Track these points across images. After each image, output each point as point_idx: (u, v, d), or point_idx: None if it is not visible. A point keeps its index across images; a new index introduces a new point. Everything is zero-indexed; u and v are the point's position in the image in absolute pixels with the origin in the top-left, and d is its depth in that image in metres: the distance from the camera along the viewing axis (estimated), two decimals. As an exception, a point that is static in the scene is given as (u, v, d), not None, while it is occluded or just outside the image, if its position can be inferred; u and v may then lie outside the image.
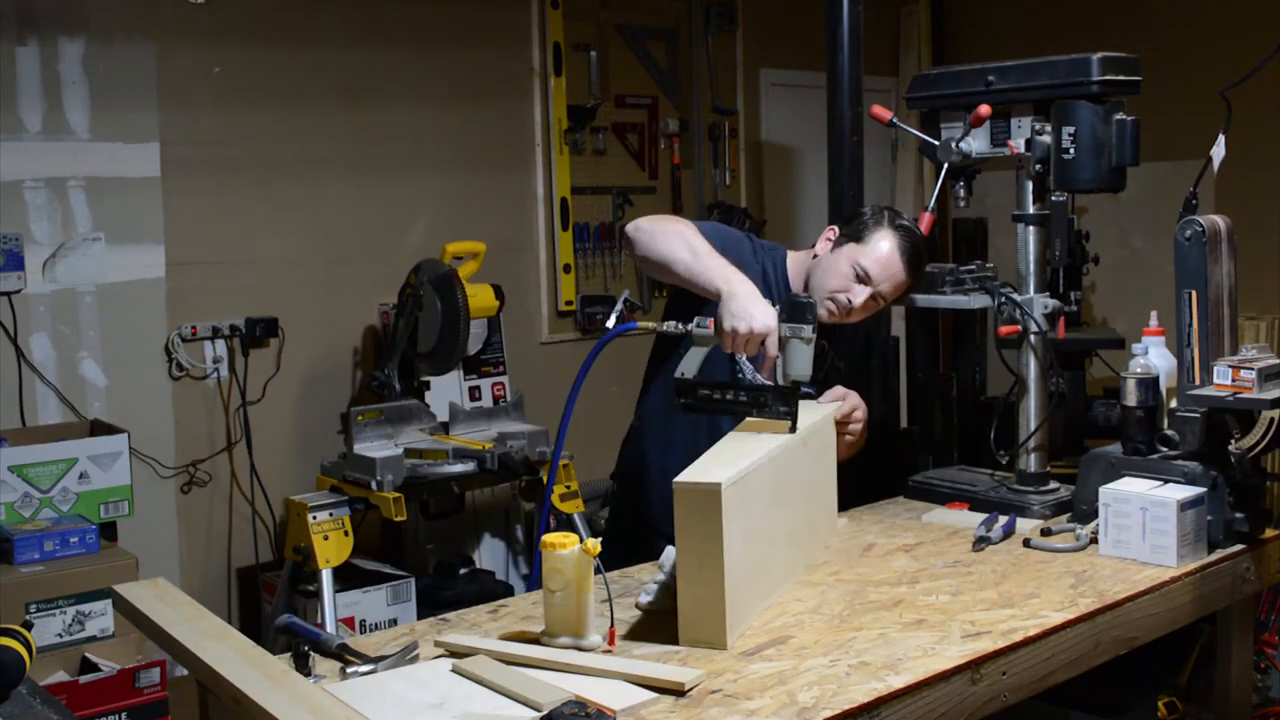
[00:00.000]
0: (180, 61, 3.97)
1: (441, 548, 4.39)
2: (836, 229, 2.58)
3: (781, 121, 5.72)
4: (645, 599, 2.07)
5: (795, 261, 2.63)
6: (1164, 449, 2.40)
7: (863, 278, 2.47)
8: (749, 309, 2.18)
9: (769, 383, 2.26)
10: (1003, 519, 2.48)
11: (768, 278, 2.55)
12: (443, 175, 4.58)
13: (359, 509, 3.70)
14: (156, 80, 3.93)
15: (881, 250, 2.48)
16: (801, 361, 2.17)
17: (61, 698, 2.75)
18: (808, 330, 2.17)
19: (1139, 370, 2.49)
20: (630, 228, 2.41)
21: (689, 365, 2.22)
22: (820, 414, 2.36)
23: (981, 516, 2.53)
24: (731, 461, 1.97)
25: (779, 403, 2.15)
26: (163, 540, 3.96)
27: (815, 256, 2.58)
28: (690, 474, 1.90)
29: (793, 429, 2.14)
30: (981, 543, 2.40)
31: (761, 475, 2.02)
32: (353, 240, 4.37)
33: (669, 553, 2.09)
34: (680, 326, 2.25)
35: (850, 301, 2.47)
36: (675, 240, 2.34)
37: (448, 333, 3.94)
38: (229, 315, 4.09)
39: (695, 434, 2.45)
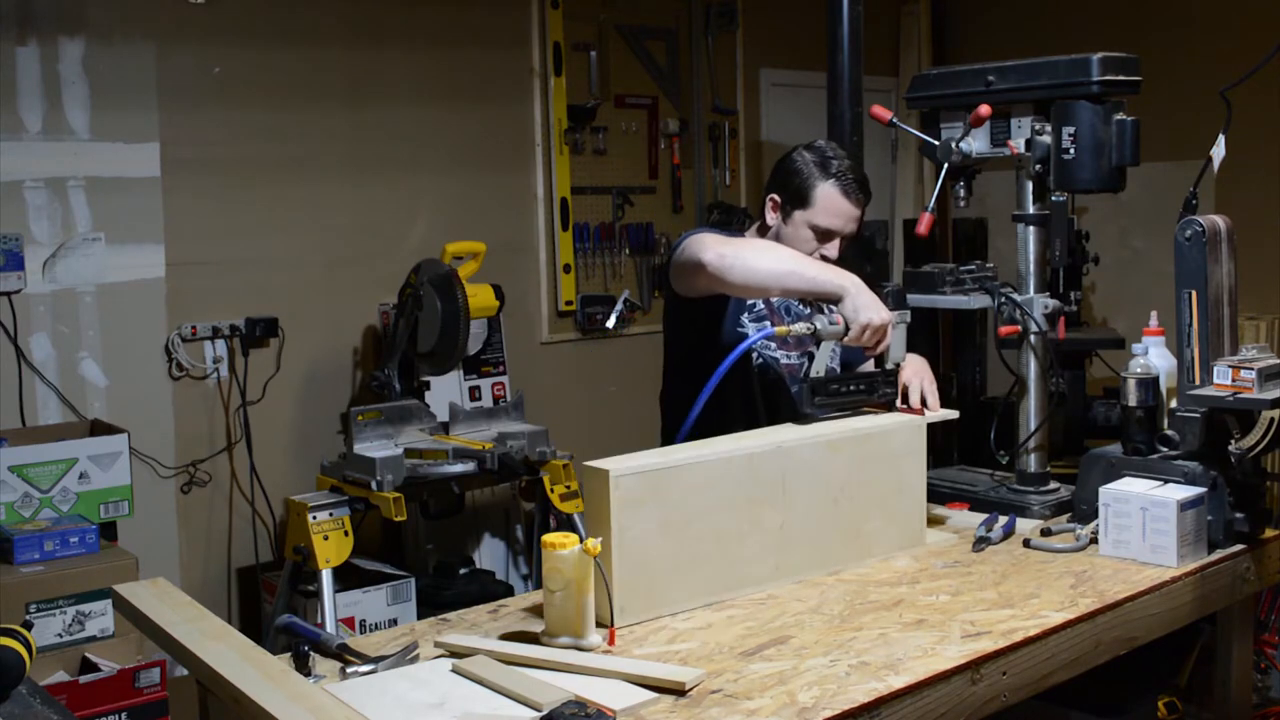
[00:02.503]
0: (180, 61, 3.97)
1: (441, 548, 4.39)
2: (776, 197, 2.61)
3: (781, 121, 5.72)
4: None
5: (761, 236, 2.67)
6: (1164, 449, 2.40)
7: (822, 233, 2.54)
8: (875, 302, 2.27)
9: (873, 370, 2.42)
10: (1003, 519, 2.48)
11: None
12: (443, 175, 4.58)
13: (359, 509, 3.70)
14: (156, 80, 3.93)
15: (831, 203, 2.53)
16: (900, 345, 2.36)
17: (61, 698, 2.75)
18: (906, 316, 2.36)
19: (1139, 370, 2.49)
20: (712, 258, 2.36)
21: (821, 365, 2.32)
22: (885, 421, 2.38)
23: (982, 516, 2.53)
24: (676, 453, 2.09)
25: (886, 385, 2.36)
26: (163, 540, 3.96)
27: (770, 228, 2.62)
28: (606, 460, 1.99)
29: (883, 397, 2.32)
30: (981, 543, 2.40)
31: (710, 471, 2.07)
32: (353, 240, 4.37)
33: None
34: (807, 327, 2.31)
35: (824, 257, 2.54)
36: (766, 258, 2.36)
37: (448, 333, 3.94)
38: (229, 315, 4.09)
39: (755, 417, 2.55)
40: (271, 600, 3.95)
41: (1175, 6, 5.14)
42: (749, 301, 2.62)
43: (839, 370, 2.45)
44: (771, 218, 2.62)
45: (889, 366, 2.37)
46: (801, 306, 2.67)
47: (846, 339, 2.29)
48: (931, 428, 2.46)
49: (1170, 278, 2.37)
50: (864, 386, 2.36)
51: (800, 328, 2.30)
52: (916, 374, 2.54)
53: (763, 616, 2.03)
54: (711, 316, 2.58)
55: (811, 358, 2.37)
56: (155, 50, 3.92)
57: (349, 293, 4.35)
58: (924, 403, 2.49)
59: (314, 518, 3.59)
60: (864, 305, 2.25)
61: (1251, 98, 2.79)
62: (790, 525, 2.19)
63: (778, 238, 2.60)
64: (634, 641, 1.93)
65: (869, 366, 2.54)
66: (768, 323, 2.62)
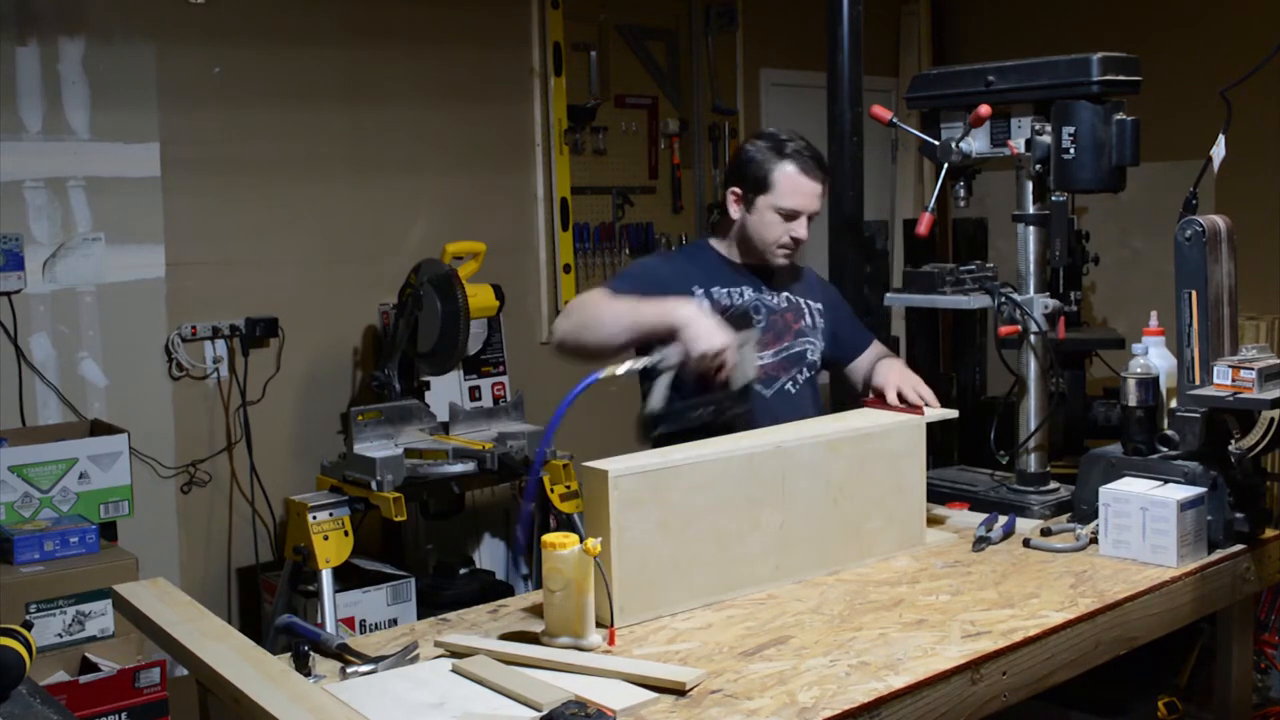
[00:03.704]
0: (180, 61, 3.97)
1: (441, 548, 4.39)
2: (737, 189, 2.58)
3: (781, 121, 5.68)
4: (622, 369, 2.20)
5: (724, 238, 2.65)
6: (1164, 449, 2.40)
7: (789, 214, 2.53)
8: (708, 329, 2.24)
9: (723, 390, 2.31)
10: (1002, 519, 2.48)
11: (689, 276, 2.56)
12: (443, 175, 4.58)
13: (359, 509, 3.70)
14: (156, 80, 3.93)
15: (791, 183, 2.52)
16: (750, 364, 2.30)
17: (61, 698, 2.75)
18: (754, 335, 2.33)
19: (1139, 370, 2.49)
20: (555, 340, 2.42)
21: (656, 398, 2.27)
22: (885, 420, 2.39)
23: (982, 516, 2.53)
24: (675, 453, 2.09)
25: (737, 404, 2.28)
26: (163, 540, 3.96)
27: (735, 221, 2.60)
28: (605, 460, 1.99)
29: (739, 411, 2.25)
30: (981, 543, 2.40)
31: (709, 472, 2.07)
32: (353, 240, 4.36)
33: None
34: (641, 363, 2.28)
35: (794, 238, 2.55)
36: (598, 318, 2.37)
37: (448, 333, 3.94)
38: (229, 315, 4.09)
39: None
40: (271, 600, 3.95)
41: (1175, 6, 5.14)
42: (702, 296, 2.54)
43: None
44: (735, 210, 2.59)
45: (735, 388, 2.28)
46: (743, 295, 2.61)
47: (690, 366, 2.25)
48: (931, 427, 2.46)
49: (1170, 278, 2.37)
50: (711, 408, 2.30)
51: (630, 365, 2.27)
52: (902, 377, 2.55)
53: (763, 616, 2.03)
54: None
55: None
56: (155, 50, 3.92)
57: (349, 293, 4.35)
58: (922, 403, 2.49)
59: (314, 518, 3.59)
60: (700, 334, 2.22)
61: (1251, 98, 2.80)
62: (790, 525, 2.19)
63: (743, 229, 2.58)
64: (634, 641, 1.93)
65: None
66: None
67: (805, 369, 2.64)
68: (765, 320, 2.58)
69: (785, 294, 2.65)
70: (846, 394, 2.91)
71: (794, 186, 2.52)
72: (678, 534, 2.04)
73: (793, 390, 2.61)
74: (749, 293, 2.58)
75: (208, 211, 4.04)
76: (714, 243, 2.67)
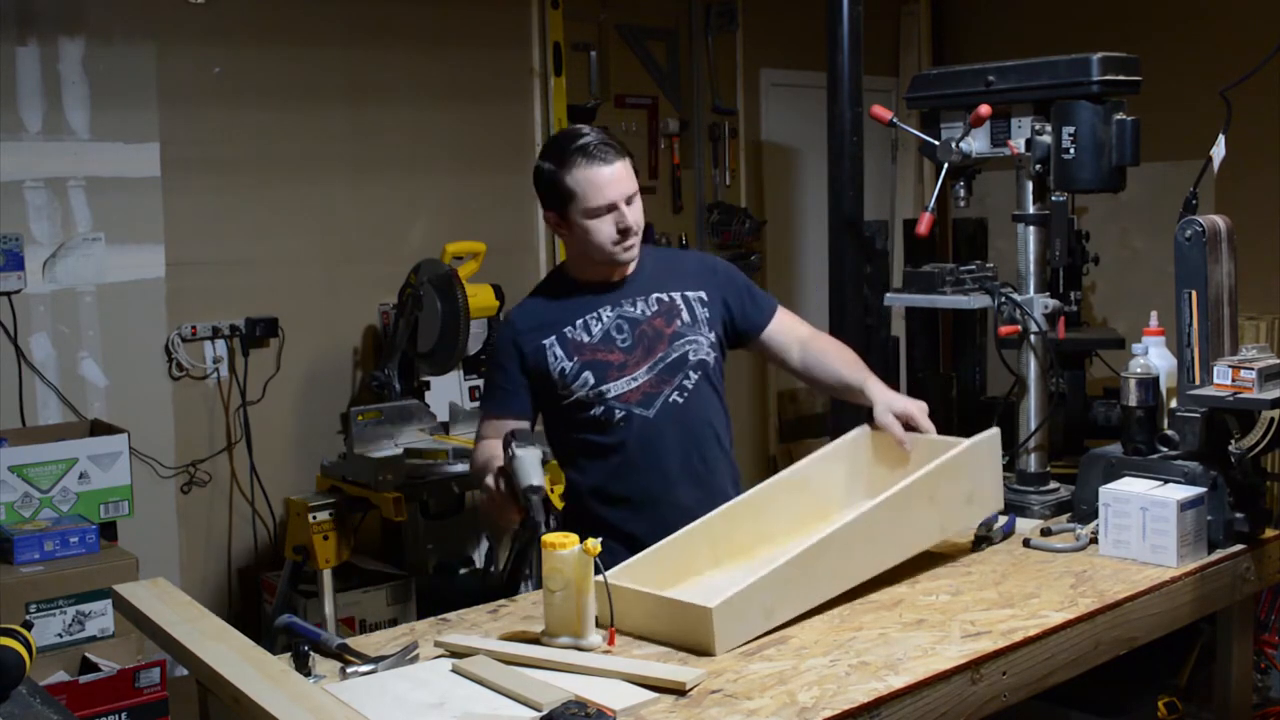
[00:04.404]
0: (180, 61, 3.97)
1: (441, 548, 4.39)
2: (550, 214, 2.44)
3: (781, 121, 5.72)
4: None
5: (569, 258, 2.53)
6: (1164, 449, 2.40)
7: (604, 210, 2.36)
8: (482, 508, 2.22)
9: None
10: (1003, 519, 2.48)
11: (541, 329, 2.45)
12: (443, 175, 4.58)
13: (359, 509, 3.70)
14: (156, 80, 3.93)
15: (586, 180, 2.35)
16: (526, 472, 2.14)
17: (61, 698, 2.75)
18: (523, 443, 2.18)
19: (1139, 370, 2.49)
20: None
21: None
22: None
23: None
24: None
25: (527, 517, 2.11)
26: (163, 540, 3.96)
27: (566, 239, 2.47)
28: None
29: (536, 529, 2.05)
30: (981, 543, 2.40)
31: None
32: (353, 240, 4.37)
33: None
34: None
35: (622, 231, 2.38)
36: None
37: (448, 333, 3.94)
38: (229, 315, 4.09)
39: (683, 450, 2.46)
40: (271, 600, 3.95)
41: (1175, 6, 5.14)
42: (554, 344, 2.45)
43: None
44: (562, 233, 2.46)
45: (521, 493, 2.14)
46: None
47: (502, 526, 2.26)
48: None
49: (1170, 278, 2.37)
50: (527, 534, 2.19)
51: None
52: (903, 403, 2.43)
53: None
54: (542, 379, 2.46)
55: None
56: (155, 50, 3.92)
57: (349, 293, 4.35)
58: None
59: (314, 518, 3.60)
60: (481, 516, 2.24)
61: (1251, 98, 2.80)
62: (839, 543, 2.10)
63: (579, 247, 2.43)
64: (634, 641, 1.93)
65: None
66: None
67: (691, 372, 2.46)
68: (630, 336, 2.43)
69: (655, 296, 2.48)
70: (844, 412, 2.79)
71: (594, 182, 2.34)
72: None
73: (680, 400, 2.44)
74: (607, 313, 2.44)
75: (208, 211, 4.04)
76: (570, 269, 2.53)
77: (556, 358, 2.42)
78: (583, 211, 2.36)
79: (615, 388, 2.42)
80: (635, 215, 2.40)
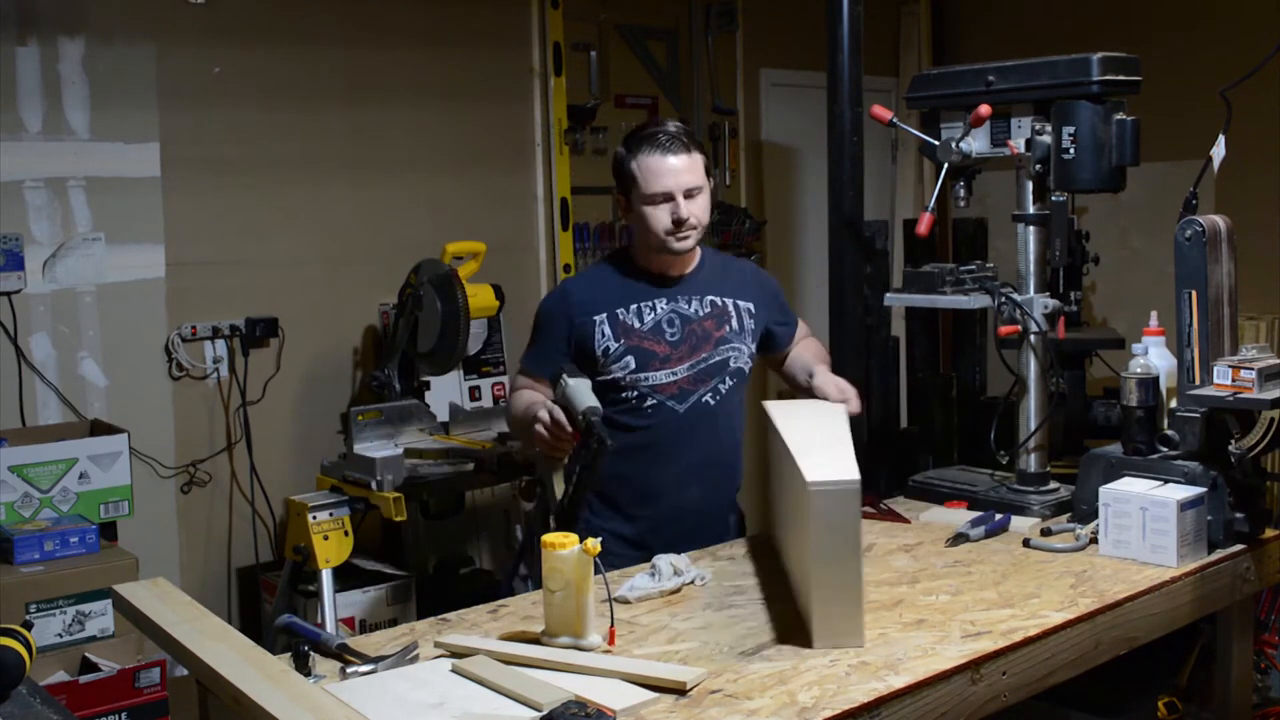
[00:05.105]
0: (180, 61, 3.96)
1: (441, 548, 4.39)
2: (621, 196, 2.55)
3: (781, 121, 5.72)
4: (634, 593, 2.12)
5: (635, 243, 2.60)
6: (1164, 449, 2.40)
7: (660, 198, 2.45)
8: (540, 434, 2.32)
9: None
10: (999, 517, 2.49)
11: (593, 305, 2.52)
12: (443, 175, 4.58)
13: (359, 509, 3.70)
14: (156, 80, 3.93)
15: (650, 168, 2.45)
16: (581, 397, 2.26)
17: (61, 698, 2.75)
18: (573, 373, 2.31)
19: (1139, 370, 2.49)
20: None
21: (557, 491, 2.39)
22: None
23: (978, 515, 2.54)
24: (832, 451, 2.00)
25: (590, 444, 2.23)
26: (163, 540, 3.96)
27: (632, 223, 2.55)
28: (816, 471, 1.87)
29: (603, 446, 2.18)
30: (960, 539, 2.40)
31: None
32: (353, 240, 4.36)
33: (661, 559, 2.20)
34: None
35: (677, 221, 2.45)
36: (516, 425, 2.60)
37: (448, 333, 3.94)
38: (229, 315, 4.09)
39: (704, 450, 2.52)
40: (271, 600, 3.95)
41: (1175, 6, 5.14)
42: (604, 321, 2.52)
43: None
44: (626, 217, 2.56)
45: (585, 434, 2.27)
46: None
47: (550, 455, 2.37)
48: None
49: (1170, 278, 2.37)
50: (579, 467, 2.33)
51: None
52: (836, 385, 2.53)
53: (763, 616, 2.03)
54: (584, 354, 2.53)
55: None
56: (155, 50, 3.92)
57: (349, 293, 4.34)
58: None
59: (314, 518, 3.59)
60: (538, 440, 2.35)
61: (1251, 98, 2.79)
62: None
63: (640, 233, 2.52)
64: (634, 641, 1.93)
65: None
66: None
67: (729, 378, 2.55)
68: (680, 332, 2.51)
69: (710, 298, 2.56)
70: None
71: (653, 168, 2.44)
72: None
73: (712, 402, 2.53)
74: (662, 305, 2.52)
75: (208, 211, 4.03)
76: (635, 253, 2.61)
77: (604, 335, 2.49)
78: (642, 197, 2.46)
79: (655, 377, 2.49)
80: (695, 209, 2.47)
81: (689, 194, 2.46)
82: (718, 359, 2.54)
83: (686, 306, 2.54)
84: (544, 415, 2.30)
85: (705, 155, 2.52)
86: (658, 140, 2.46)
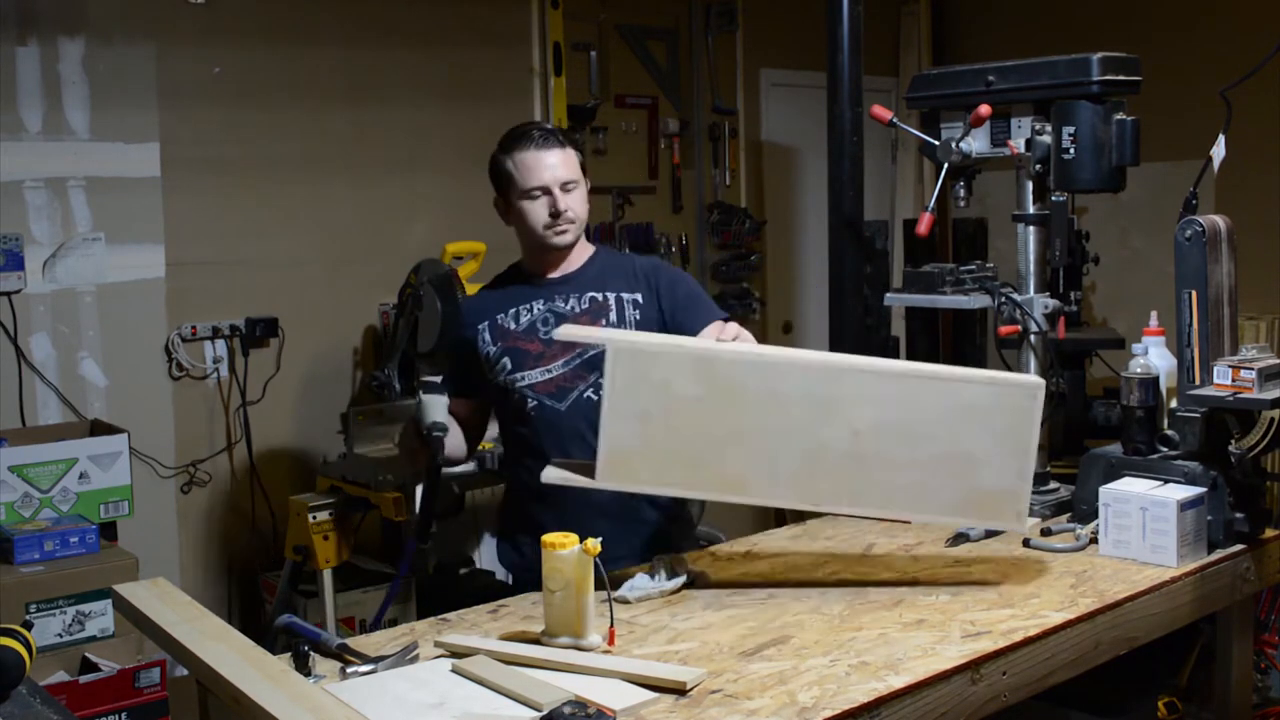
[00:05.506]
0: (180, 61, 3.97)
1: (441, 548, 4.38)
2: (498, 200, 2.56)
3: (781, 121, 5.72)
4: (635, 593, 2.11)
5: (522, 249, 2.61)
6: (1164, 449, 2.40)
7: (539, 193, 2.46)
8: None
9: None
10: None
11: (482, 312, 2.56)
12: (443, 175, 4.58)
13: (359, 509, 3.70)
14: (156, 80, 3.93)
15: (524, 164, 2.47)
16: (429, 411, 2.34)
17: (61, 698, 2.75)
18: (429, 389, 2.38)
19: (1139, 370, 2.49)
20: None
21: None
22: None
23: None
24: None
25: (429, 450, 2.34)
26: (163, 540, 3.96)
27: (514, 227, 2.56)
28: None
29: (433, 461, 2.32)
30: (959, 538, 2.40)
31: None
32: (353, 240, 4.36)
33: (660, 560, 2.20)
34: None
35: (555, 213, 2.46)
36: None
37: (448, 333, 3.94)
38: (229, 315, 4.09)
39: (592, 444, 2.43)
40: (271, 600, 3.95)
41: (1175, 6, 5.14)
42: (486, 328, 2.55)
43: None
44: (508, 220, 2.56)
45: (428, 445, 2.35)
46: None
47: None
48: None
49: (1170, 278, 2.37)
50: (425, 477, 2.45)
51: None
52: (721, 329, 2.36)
53: (763, 616, 2.03)
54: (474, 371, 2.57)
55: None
56: (155, 50, 3.92)
57: (349, 293, 4.35)
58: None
59: (314, 518, 3.59)
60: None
61: (1251, 98, 2.79)
62: (789, 442, 2.10)
63: (522, 234, 2.53)
64: (634, 641, 1.93)
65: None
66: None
67: None
68: (553, 330, 2.45)
69: (590, 295, 2.52)
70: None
71: (529, 165, 2.46)
72: (662, 420, 2.06)
73: (595, 397, 2.43)
74: (539, 305, 2.52)
75: (208, 211, 4.04)
76: (524, 261, 2.62)
77: (485, 341, 2.54)
78: (519, 193, 2.48)
79: (530, 376, 2.49)
80: (572, 202, 2.48)
81: (565, 187, 2.47)
82: (593, 352, 2.46)
83: (563, 304, 2.52)
84: (403, 429, 2.43)
85: (580, 153, 2.57)
86: (531, 137, 2.49)
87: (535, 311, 2.53)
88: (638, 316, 2.51)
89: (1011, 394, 2.11)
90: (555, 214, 2.46)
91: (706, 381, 2.10)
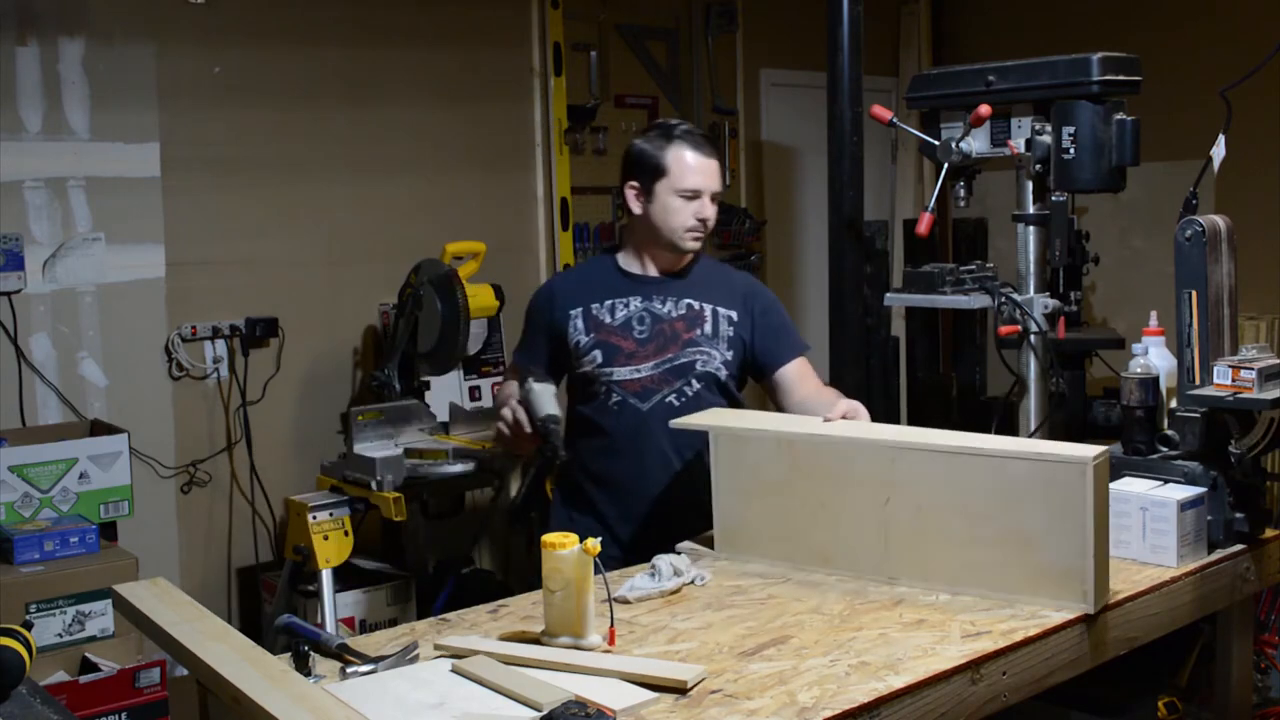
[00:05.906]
0: (180, 61, 3.97)
1: (441, 548, 4.38)
2: (635, 184, 2.55)
3: (781, 121, 5.72)
4: (634, 593, 2.12)
5: (627, 246, 2.62)
6: (1164, 449, 2.40)
7: (691, 194, 2.49)
8: (497, 423, 2.47)
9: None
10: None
11: (572, 298, 2.59)
12: (443, 175, 4.58)
13: (359, 509, 3.70)
14: (156, 80, 3.93)
15: (685, 161, 2.49)
16: (542, 403, 2.36)
17: (61, 698, 2.75)
18: (539, 377, 2.42)
19: (1139, 370, 2.49)
20: None
21: (514, 490, 2.43)
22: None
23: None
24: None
25: (547, 444, 2.36)
26: (163, 540, 3.95)
27: (637, 216, 2.55)
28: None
29: (555, 455, 2.34)
30: None
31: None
32: (353, 240, 4.36)
33: (661, 559, 2.20)
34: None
35: (701, 220, 2.51)
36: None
37: (448, 333, 3.94)
38: (229, 315, 4.09)
39: (664, 449, 2.53)
40: (271, 600, 3.95)
41: (1175, 6, 5.14)
42: (579, 315, 2.59)
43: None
44: (636, 205, 2.54)
45: (542, 434, 2.37)
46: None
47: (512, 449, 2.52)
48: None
49: (1170, 278, 2.37)
50: (535, 464, 2.48)
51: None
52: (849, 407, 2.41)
53: (763, 616, 2.03)
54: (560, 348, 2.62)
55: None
56: (155, 50, 3.92)
57: (349, 293, 4.35)
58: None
59: (314, 518, 3.59)
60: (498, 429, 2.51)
61: (1251, 98, 2.80)
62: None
63: (648, 223, 2.53)
64: (634, 641, 1.93)
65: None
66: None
67: (696, 380, 2.53)
68: (649, 330, 2.53)
69: (687, 301, 2.56)
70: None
71: (690, 165, 2.48)
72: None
73: (677, 403, 2.51)
74: (636, 302, 2.54)
75: (208, 211, 4.03)
76: (619, 255, 2.63)
77: (577, 329, 2.56)
78: (671, 189, 2.49)
79: (620, 373, 2.52)
80: (711, 213, 2.53)
81: (714, 197, 2.52)
82: (684, 360, 2.53)
83: (660, 306, 2.55)
84: (506, 413, 2.41)
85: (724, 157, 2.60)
86: (695, 138, 2.52)
87: (631, 308, 2.55)
88: (730, 333, 2.58)
89: (1059, 470, 1.99)
90: (700, 220, 2.50)
91: (789, 462, 2.24)
